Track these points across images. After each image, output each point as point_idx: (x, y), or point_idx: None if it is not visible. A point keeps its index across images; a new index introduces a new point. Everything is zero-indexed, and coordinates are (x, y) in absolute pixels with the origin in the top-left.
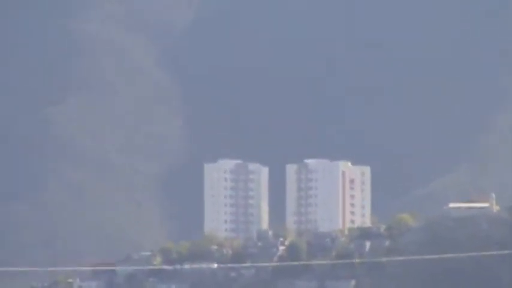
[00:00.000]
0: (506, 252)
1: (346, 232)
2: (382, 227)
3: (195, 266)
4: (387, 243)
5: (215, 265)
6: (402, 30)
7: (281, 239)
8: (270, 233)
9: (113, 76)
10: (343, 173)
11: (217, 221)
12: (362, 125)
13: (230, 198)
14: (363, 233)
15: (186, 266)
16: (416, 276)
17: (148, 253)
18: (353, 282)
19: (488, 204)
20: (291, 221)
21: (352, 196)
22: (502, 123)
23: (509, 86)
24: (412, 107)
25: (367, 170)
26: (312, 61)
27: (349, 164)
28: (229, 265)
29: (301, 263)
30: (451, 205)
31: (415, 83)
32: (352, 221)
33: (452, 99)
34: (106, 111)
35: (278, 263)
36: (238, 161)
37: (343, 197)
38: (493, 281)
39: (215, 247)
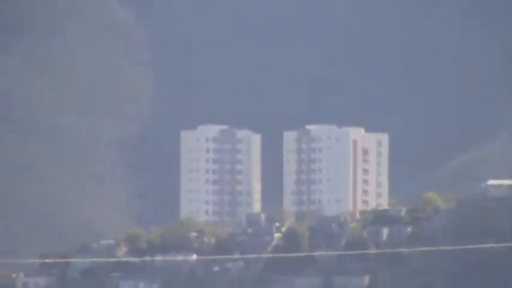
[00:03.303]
0: None
1: (358, 216)
2: (403, 210)
3: (169, 258)
4: (410, 229)
5: (194, 257)
6: None
7: (277, 225)
8: (263, 217)
9: (69, 19)
10: (355, 141)
11: (197, 202)
12: (379, 83)
13: (213, 173)
14: (379, 217)
15: (158, 258)
16: (446, 270)
17: (110, 242)
18: (367, 278)
19: None
20: (289, 202)
21: (366, 171)
22: None
23: None
24: (441, 65)
25: (384, 138)
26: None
27: (363, 130)
28: (212, 257)
29: (302, 254)
30: (490, 182)
31: (448, 39)
32: (366, 202)
33: (490, 60)
34: (59, 62)
35: (273, 255)
36: (224, 127)
37: (355, 172)
38: None
39: (194, 234)
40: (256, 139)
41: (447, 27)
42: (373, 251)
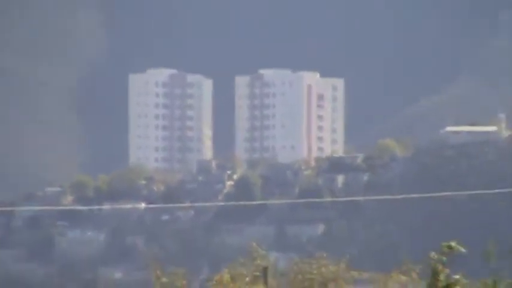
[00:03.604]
0: None
1: (313, 163)
2: (360, 157)
3: (117, 206)
4: (366, 177)
5: (143, 205)
6: None
7: (228, 172)
8: (214, 164)
9: None
10: (309, 87)
11: (146, 149)
12: (334, 27)
13: (163, 118)
14: (335, 165)
15: (106, 207)
16: (404, 219)
17: (56, 189)
18: (321, 227)
19: (496, 128)
20: (241, 148)
21: (321, 117)
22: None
23: None
24: (398, 9)
25: (340, 83)
26: None
27: (317, 75)
28: (161, 205)
29: (254, 202)
30: (449, 129)
31: None
32: (321, 149)
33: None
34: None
35: (224, 203)
36: (174, 71)
37: (309, 118)
38: (501, 225)
39: (143, 182)
40: (207, 84)
41: None
42: (328, 199)
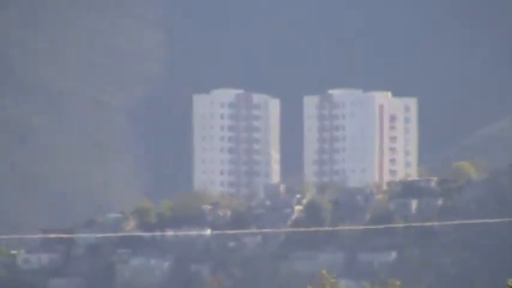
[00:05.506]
0: None
1: (385, 187)
2: (434, 181)
3: (182, 233)
4: (440, 201)
5: (208, 231)
6: None
7: (297, 197)
8: (283, 188)
9: None
10: (381, 107)
11: (211, 173)
12: (407, 44)
13: (228, 141)
14: (408, 189)
15: (169, 233)
16: (480, 245)
17: (117, 216)
18: (393, 254)
19: None
20: (310, 172)
21: (393, 138)
22: None
23: None
24: (476, 25)
25: (413, 103)
26: None
27: (389, 95)
28: (228, 231)
29: (324, 228)
30: None
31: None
32: (393, 172)
33: None
34: (60, 21)
35: (293, 229)
36: (240, 91)
37: (381, 140)
38: None
39: (208, 207)
40: (274, 104)
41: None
42: (400, 225)
